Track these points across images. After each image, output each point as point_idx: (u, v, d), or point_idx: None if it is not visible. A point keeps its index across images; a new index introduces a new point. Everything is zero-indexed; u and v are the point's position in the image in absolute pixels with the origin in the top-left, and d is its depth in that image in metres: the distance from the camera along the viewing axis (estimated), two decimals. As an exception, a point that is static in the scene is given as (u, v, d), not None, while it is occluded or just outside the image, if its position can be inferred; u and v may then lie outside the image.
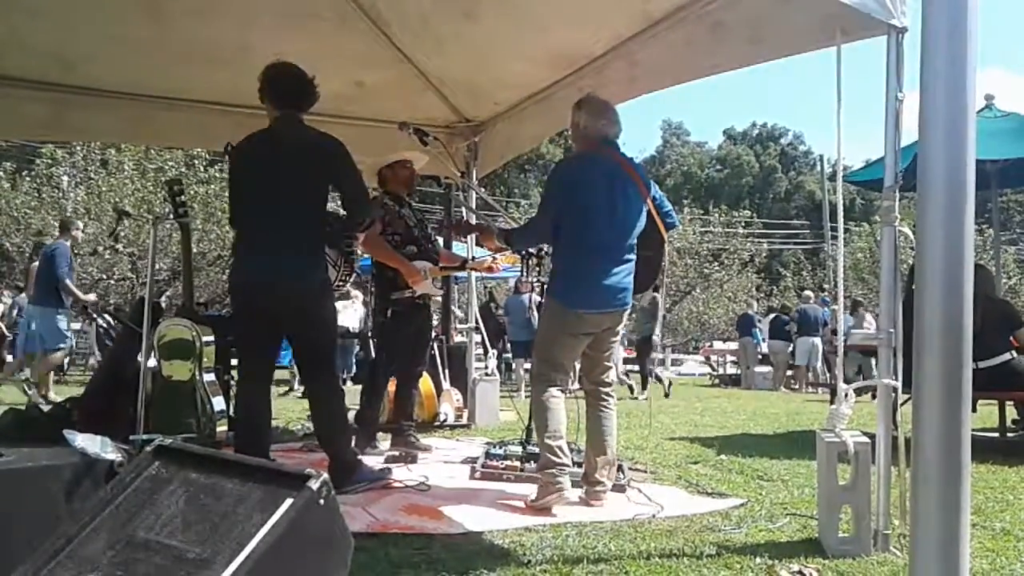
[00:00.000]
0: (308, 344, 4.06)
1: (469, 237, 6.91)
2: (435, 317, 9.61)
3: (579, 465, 4.05)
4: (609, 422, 3.99)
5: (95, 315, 7.00)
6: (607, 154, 3.94)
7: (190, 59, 5.40)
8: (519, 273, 7.67)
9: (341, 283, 4.37)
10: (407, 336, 5.30)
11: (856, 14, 2.98)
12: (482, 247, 5.81)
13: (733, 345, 21.72)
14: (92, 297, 7.99)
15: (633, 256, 3.93)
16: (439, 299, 8.20)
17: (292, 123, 3.96)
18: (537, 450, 4.73)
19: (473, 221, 5.60)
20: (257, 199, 3.92)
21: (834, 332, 12.81)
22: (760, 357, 17.65)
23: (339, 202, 4.10)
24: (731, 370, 19.75)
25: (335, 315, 4.37)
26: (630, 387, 12.19)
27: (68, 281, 7.52)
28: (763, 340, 17.56)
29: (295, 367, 8.33)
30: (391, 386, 5.55)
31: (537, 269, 4.71)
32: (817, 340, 15.36)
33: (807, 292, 19.32)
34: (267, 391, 4.09)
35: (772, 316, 17.85)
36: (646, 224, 3.96)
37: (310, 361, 4.09)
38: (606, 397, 4.03)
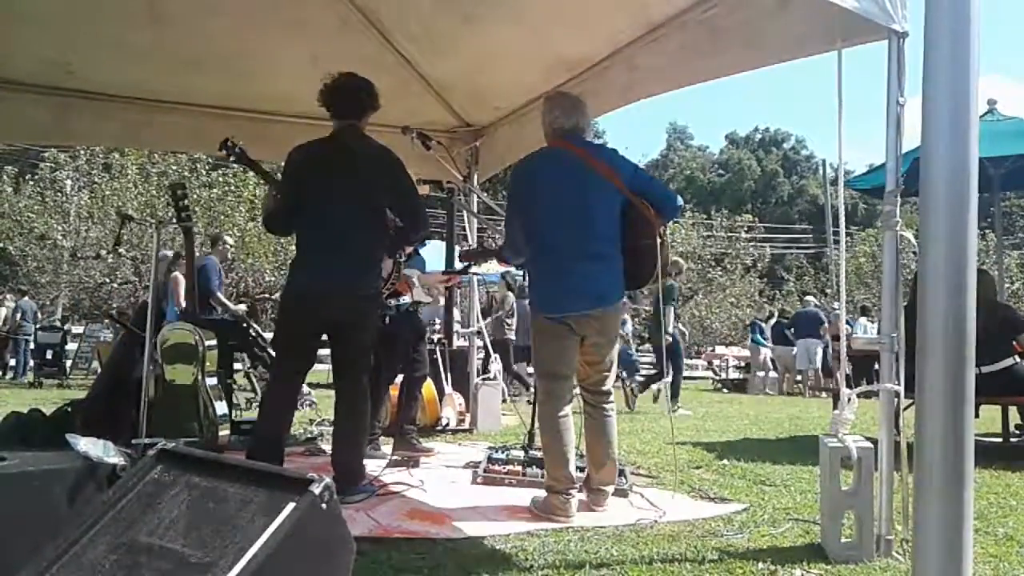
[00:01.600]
0: (350, 348, 4.06)
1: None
2: (437, 322, 9.65)
3: (580, 470, 4.03)
4: (609, 430, 3.87)
5: (245, 325, 7.00)
6: (562, 147, 3.83)
7: (191, 64, 5.41)
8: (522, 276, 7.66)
9: (391, 287, 4.41)
10: (403, 342, 5.31)
11: (857, 19, 2.98)
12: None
13: (736, 350, 21.71)
14: (242, 308, 7.99)
15: (609, 251, 3.74)
16: (441, 303, 8.22)
17: (356, 134, 4.02)
18: (539, 455, 4.73)
19: (487, 246, 5.56)
20: (324, 205, 3.93)
21: (835, 338, 12.77)
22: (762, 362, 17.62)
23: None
24: (733, 375, 19.73)
25: (377, 324, 4.40)
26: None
27: (219, 294, 7.56)
28: (762, 346, 17.51)
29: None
30: (393, 391, 5.56)
31: (522, 273, 4.70)
32: (815, 342, 15.33)
33: (808, 297, 19.29)
34: (295, 398, 4.09)
35: (773, 322, 17.84)
36: (632, 212, 3.75)
37: (348, 363, 4.08)
38: (605, 404, 3.90)
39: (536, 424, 4.26)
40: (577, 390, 3.98)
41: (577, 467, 3.87)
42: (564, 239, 3.72)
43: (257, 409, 4.27)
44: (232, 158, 4.07)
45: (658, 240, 3.74)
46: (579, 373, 3.93)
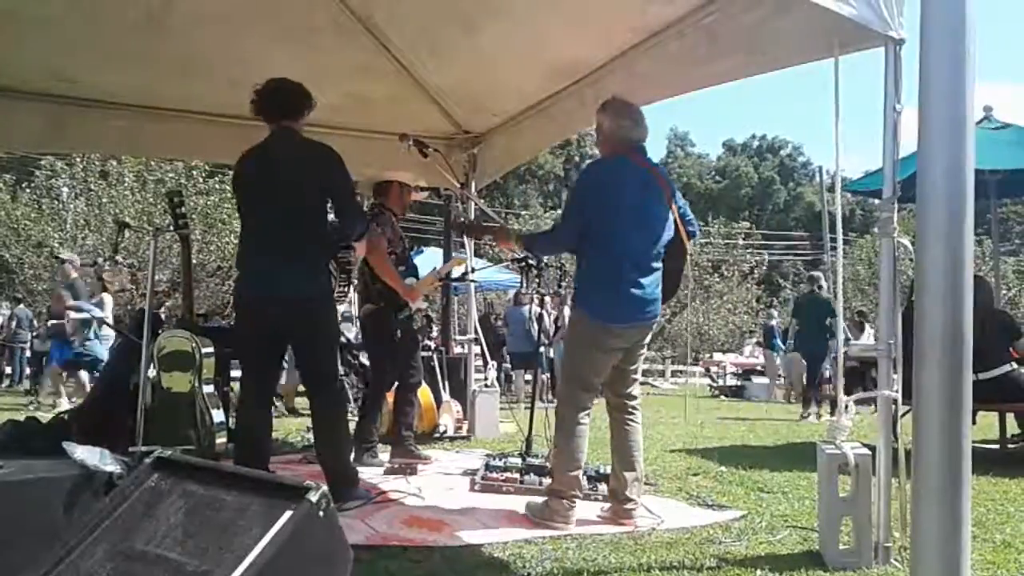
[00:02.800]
0: (311, 355, 4.05)
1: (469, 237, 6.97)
2: (435, 329, 9.64)
3: (595, 481, 4.00)
4: (637, 436, 3.85)
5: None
6: (634, 160, 3.80)
7: (188, 71, 5.42)
8: (519, 284, 7.67)
9: (341, 294, 4.37)
10: (400, 349, 5.32)
11: (854, 26, 3.00)
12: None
13: (733, 356, 21.69)
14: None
15: (660, 266, 3.79)
16: (438, 310, 8.22)
17: (285, 136, 3.97)
18: (536, 462, 4.73)
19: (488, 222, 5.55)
20: (256, 212, 3.95)
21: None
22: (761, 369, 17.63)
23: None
24: (731, 381, 19.72)
25: (338, 326, 4.37)
26: None
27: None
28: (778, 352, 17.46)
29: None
30: (390, 397, 5.56)
31: (536, 280, 4.68)
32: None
33: (772, 310, 19.37)
34: (269, 404, 4.09)
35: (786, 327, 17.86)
36: (672, 234, 3.82)
37: (312, 373, 4.08)
38: (633, 411, 3.87)
39: (547, 432, 4.22)
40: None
41: (590, 476, 3.85)
42: (636, 250, 3.71)
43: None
44: None
45: (686, 263, 3.90)
46: (610, 380, 3.90)
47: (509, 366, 13.79)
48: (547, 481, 4.31)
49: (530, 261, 4.78)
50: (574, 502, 3.66)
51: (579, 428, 3.73)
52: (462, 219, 5.45)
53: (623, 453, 3.82)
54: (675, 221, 3.82)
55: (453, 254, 8.32)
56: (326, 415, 4.03)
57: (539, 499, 3.80)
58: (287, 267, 3.86)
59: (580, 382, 3.81)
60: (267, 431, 4.15)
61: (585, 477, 3.87)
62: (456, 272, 6.68)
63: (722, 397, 17.40)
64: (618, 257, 3.70)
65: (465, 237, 5.40)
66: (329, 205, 4.01)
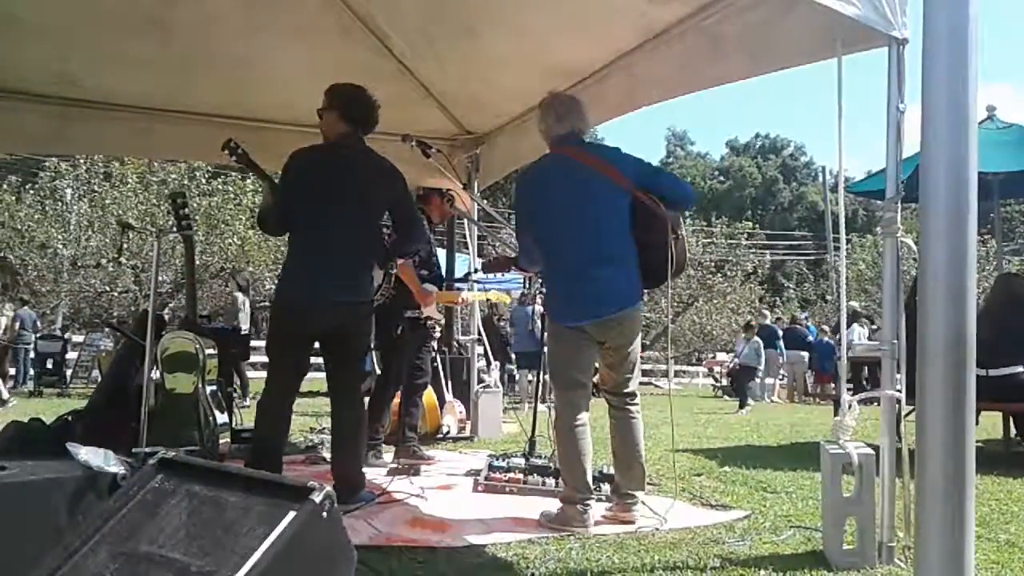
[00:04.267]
0: (343, 356, 4.07)
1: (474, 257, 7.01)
2: (438, 329, 9.65)
3: (597, 481, 3.99)
4: (636, 432, 3.80)
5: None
6: (562, 152, 3.78)
7: (191, 72, 5.43)
8: (522, 284, 7.68)
9: (382, 296, 4.42)
10: (409, 351, 5.35)
11: (857, 26, 2.99)
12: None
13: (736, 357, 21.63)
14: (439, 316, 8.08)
15: (621, 252, 3.67)
16: (441, 310, 8.21)
17: (355, 143, 4.01)
18: (539, 462, 4.73)
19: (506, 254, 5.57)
20: (321, 212, 3.90)
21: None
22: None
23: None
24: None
25: (370, 336, 4.40)
26: None
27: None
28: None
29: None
30: (395, 398, 5.57)
31: (539, 281, 4.68)
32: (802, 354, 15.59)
33: (765, 311, 19.45)
34: (291, 408, 4.07)
35: (786, 327, 17.88)
36: (640, 209, 3.65)
37: (342, 375, 4.08)
38: (629, 406, 3.82)
39: (551, 434, 4.21)
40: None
41: (594, 477, 3.84)
42: (573, 246, 3.68)
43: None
44: (234, 158, 4.06)
45: (671, 236, 3.65)
46: (601, 377, 3.89)
47: (514, 367, 13.79)
48: (551, 481, 4.32)
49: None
50: (588, 504, 3.64)
51: (578, 431, 3.71)
52: (485, 260, 5.50)
53: (624, 450, 3.80)
54: (634, 196, 3.65)
55: (458, 255, 8.35)
56: (348, 422, 4.04)
57: (551, 507, 3.76)
58: (340, 272, 3.88)
59: (565, 382, 3.81)
60: (284, 434, 4.15)
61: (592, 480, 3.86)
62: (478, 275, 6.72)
63: (725, 397, 17.40)
64: (558, 257, 3.71)
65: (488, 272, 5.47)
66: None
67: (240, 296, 11.37)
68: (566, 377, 3.81)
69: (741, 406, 12.31)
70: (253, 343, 11.77)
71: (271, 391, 4.01)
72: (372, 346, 5.24)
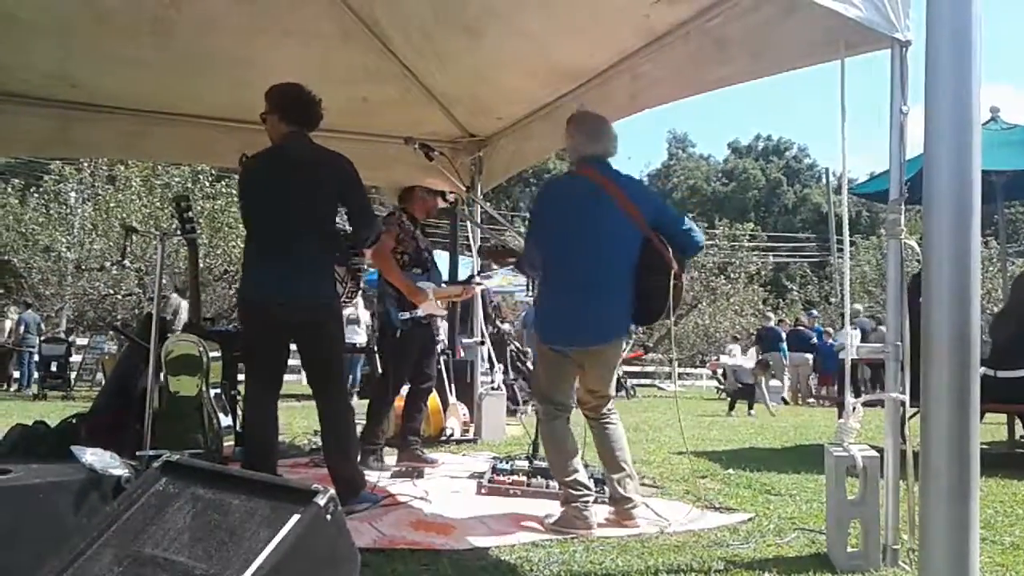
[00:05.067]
0: (318, 360, 4.07)
1: (477, 259, 6.98)
2: (442, 331, 9.65)
3: (599, 483, 4.01)
4: (616, 438, 3.81)
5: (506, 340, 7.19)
6: (586, 174, 3.75)
7: (194, 75, 5.44)
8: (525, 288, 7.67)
9: (348, 299, 4.40)
10: (413, 353, 5.33)
11: (860, 27, 2.99)
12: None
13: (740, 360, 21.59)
14: (508, 327, 8.10)
15: (619, 285, 3.65)
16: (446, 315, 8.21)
17: (299, 141, 3.99)
18: (544, 465, 4.72)
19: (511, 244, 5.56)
20: (268, 215, 3.94)
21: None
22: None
23: (346, 218, 4.12)
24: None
25: (343, 331, 4.38)
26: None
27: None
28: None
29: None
30: (398, 402, 5.56)
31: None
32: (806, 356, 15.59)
33: (769, 313, 19.43)
34: (274, 407, 4.09)
35: (788, 329, 17.87)
36: (650, 249, 3.63)
37: (320, 378, 4.08)
38: (606, 414, 3.86)
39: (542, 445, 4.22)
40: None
41: (594, 479, 3.84)
42: (574, 271, 3.68)
43: None
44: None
45: (672, 281, 3.61)
46: (579, 396, 3.92)
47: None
48: (554, 484, 4.31)
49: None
50: (587, 502, 3.64)
51: (558, 434, 3.76)
52: (486, 246, 5.46)
53: (608, 457, 3.82)
54: (647, 237, 3.65)
55: (462, 258, 8.34)
56: (333, 418, 4.03)
57: (554, 511, 3.77)
58: (297, 271, 3.88)
59: (545, 400, 3.85)
60: (274, 432, 4.15)
61: (592, 480, 3.86)
62: (477, 267, 6.71)
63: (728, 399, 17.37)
64: (556, 281, 3.72)
65: (487, 259, 5.44)
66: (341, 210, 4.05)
67: (175, 297, 11.49)
68: (548, 395, 3.85)
69: (750, 407, 12.25)
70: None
71: (253, 392, 4.06)
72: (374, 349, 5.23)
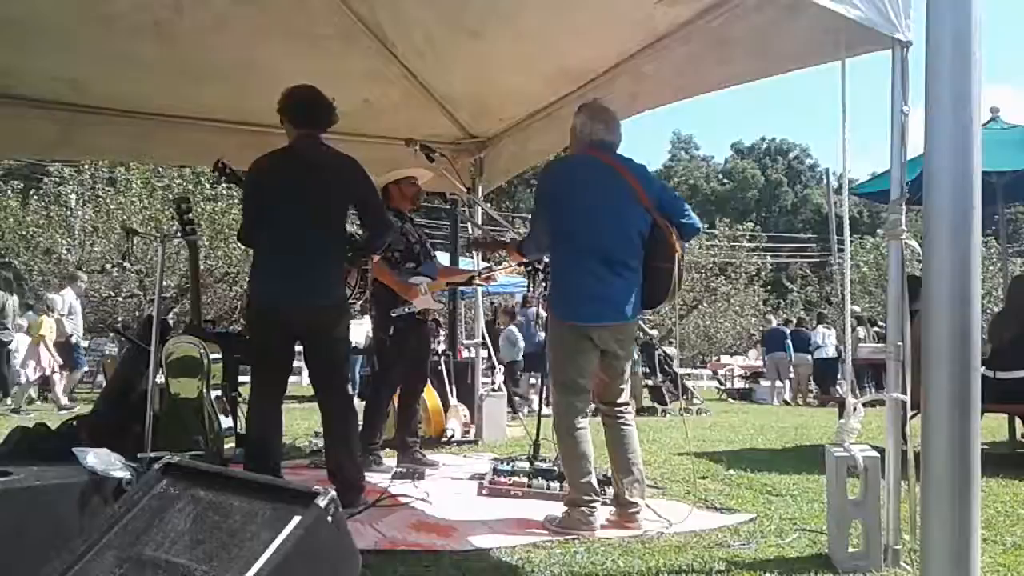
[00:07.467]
0: (325, 361, 4.07)
1: (477, 252, 6.96)
2: (442, 332, 9.66)
3: (602, 484, 3.98)
4: (630, 440, 3.80)
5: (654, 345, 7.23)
6: (597, 156, 3.76)
7: (197, 78, 5.43)
8: (525, 287, 7.67)
9: (355, 300, 4.41)
10: (408, 352, 5.32)
11: (861, 28, 2.99)
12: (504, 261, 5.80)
13: (740, 359, 21.64)
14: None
15: (635, 265, 3.70)
16: (445, 314, 8.22)
17: (313, 143, 4.00)
18: (544, 466, 4.73)
19: (503, 237, 5.56)
20: (281, 217, 3.91)
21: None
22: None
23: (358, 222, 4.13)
24: (739, 384, 19.69)
25: (350, 332, 4.38)
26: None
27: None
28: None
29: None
30: (395, 402, 5.55)
31: (544, 283, 4.66)
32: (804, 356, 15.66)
33: (770, 316, 19.43)
34: (279, 408, 4.08)
35: (791, 330, 17.86)
36: (656, 233, 3.71)
37: (326, 378, 4.09)
38: (622, 414, 3.84)
39: (554, 437, 4.20)
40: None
41: (599, 480, 3.84)
42: (600, 245, 3.66)
43: None
44: (223, 179, 4.09)
45: (677, 265, 3.67)
46: (596, 388, 3.86)
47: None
48: (555, 485, 4.32)
49: (536, 265, 4.76)
50: (593, 507, 3.63)
51: (579, 433, 3.69)
52: (473, 236, 5.43)
53: (619, 458, 3.80)
54: (654, 220, 3.71)
55: (461, 259, 8.34)
56: (337, 420, 4.03)
57: (556, 511, 3.75)
58: (308, 272, 3.88)
59: (565, 386, 3.78)
60: (278, 433, 4.15)
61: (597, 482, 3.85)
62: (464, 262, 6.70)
63: (729, 400, 17.39)
64: (579, 256, 3.68)
65: (475, 250, 5.45)
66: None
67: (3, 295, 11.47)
68: (567, 380, 3.78)
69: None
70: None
71: (258, 393, 4.05)
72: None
